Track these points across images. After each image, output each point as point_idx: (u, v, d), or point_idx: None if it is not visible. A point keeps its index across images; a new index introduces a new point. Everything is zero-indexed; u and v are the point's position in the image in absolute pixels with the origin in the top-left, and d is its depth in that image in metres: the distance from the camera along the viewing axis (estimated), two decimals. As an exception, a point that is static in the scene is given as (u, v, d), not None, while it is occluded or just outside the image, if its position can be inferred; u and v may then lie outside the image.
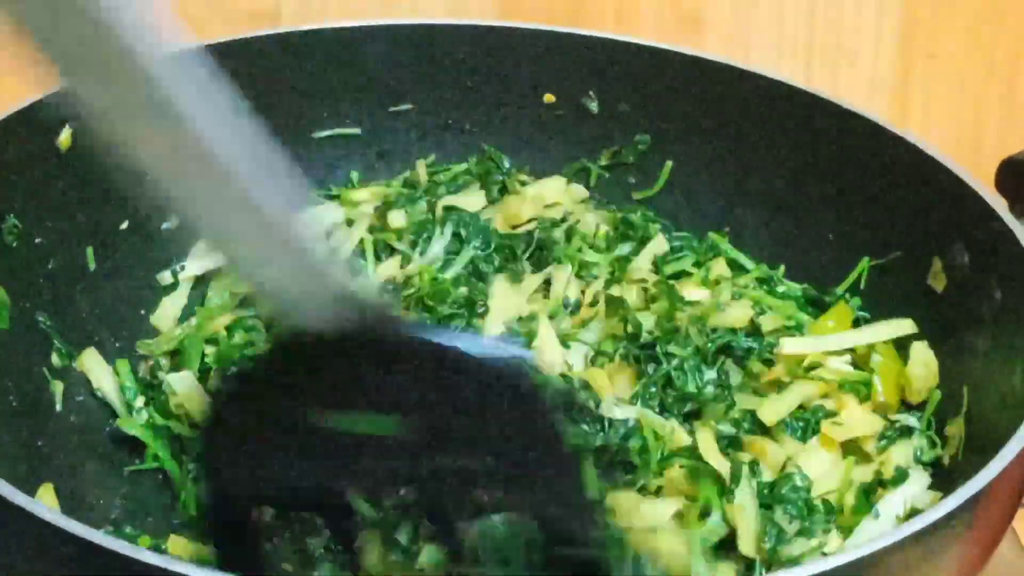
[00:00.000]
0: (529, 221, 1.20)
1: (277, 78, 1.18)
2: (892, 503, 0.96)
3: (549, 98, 1.24)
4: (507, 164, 1.24)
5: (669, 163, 1.23)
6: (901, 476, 0.97)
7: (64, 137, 1.07)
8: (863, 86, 1.48)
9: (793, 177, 1.18)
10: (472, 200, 1.20)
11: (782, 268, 1.18)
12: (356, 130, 1.23)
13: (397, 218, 1.18)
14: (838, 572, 0.75)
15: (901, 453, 1.00)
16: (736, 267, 1.18)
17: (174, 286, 1.15)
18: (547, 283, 1.15)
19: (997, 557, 0.91)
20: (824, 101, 1.15)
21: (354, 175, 1.24)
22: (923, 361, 1.05)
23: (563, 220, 1.21)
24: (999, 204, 1.02)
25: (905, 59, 1.49)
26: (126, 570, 0.72)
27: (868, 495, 0.97)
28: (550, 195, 1.23)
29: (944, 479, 0.98)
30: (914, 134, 1.09)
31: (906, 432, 1.02)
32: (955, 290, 1.05)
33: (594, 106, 1.23)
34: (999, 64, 1.50)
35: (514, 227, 1.19)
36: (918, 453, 1.00)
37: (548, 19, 1.26)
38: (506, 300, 1.11)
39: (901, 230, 1.10)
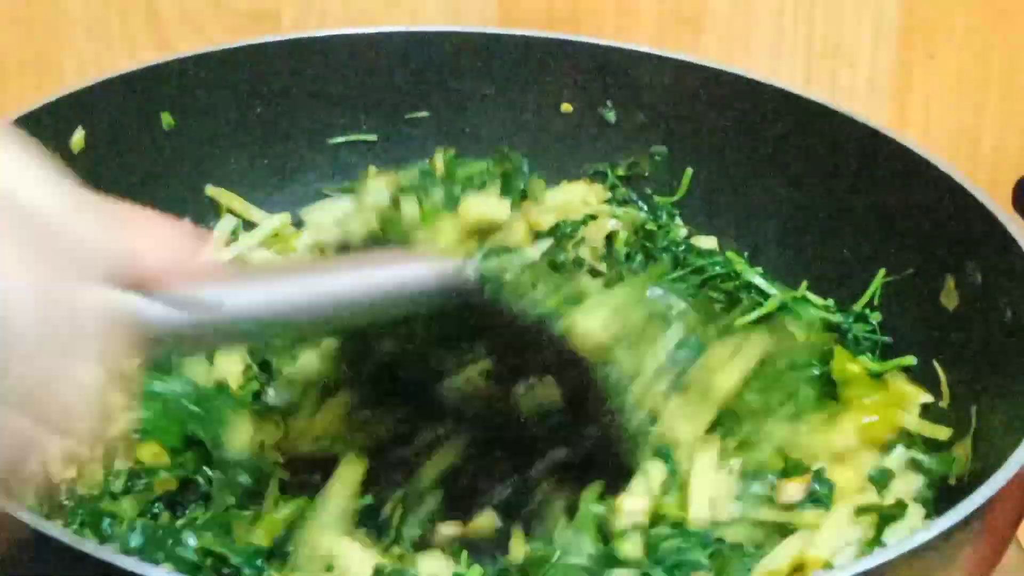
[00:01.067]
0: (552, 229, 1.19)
1: (294, 83, 1.19)
2: (898, 532, 0.95)
3: (566, 107, 1.24)
4: (526, 167, 1.23)
5: (689, 170, 1.22)
6: (902, 509, 0.96)
7: (77, 139, 1.07)
8: (862, 87, 1.48)
9: (808, 193, 1.17)
10: (498, 209, 1.19)
11: (804, 285, 1.17)
12: (372, 136, 1.23)
13: (410, 206, 1.17)
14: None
15: (902, 488, 1.00)
16: (754, 289, 1.17)
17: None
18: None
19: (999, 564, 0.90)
20: (844, 117, 1.14)
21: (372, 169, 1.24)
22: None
23: (583, 223, 1.20)
24: (1013, 224, 1.01)
25: (904, 60, 1.48)
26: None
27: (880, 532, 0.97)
28: (572, 201, 1.22)
29: (951, 498, 0.98)
30: (937, 157, 1.08)
31: (911, 464, 1.01)
32: (967, 309, 1.05)
33: (612, 116, 1.23)
34: (999, 65, 1.49)
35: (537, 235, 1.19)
36: (918, 487, 1.00)
37: (547, 21, 1.26)
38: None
39: (914, 248, 1.10)
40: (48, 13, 1.39)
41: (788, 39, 1.47)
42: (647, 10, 1.45)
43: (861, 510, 0.96)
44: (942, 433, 1.03)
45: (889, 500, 0.97)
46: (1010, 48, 1.48)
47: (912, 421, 1.04)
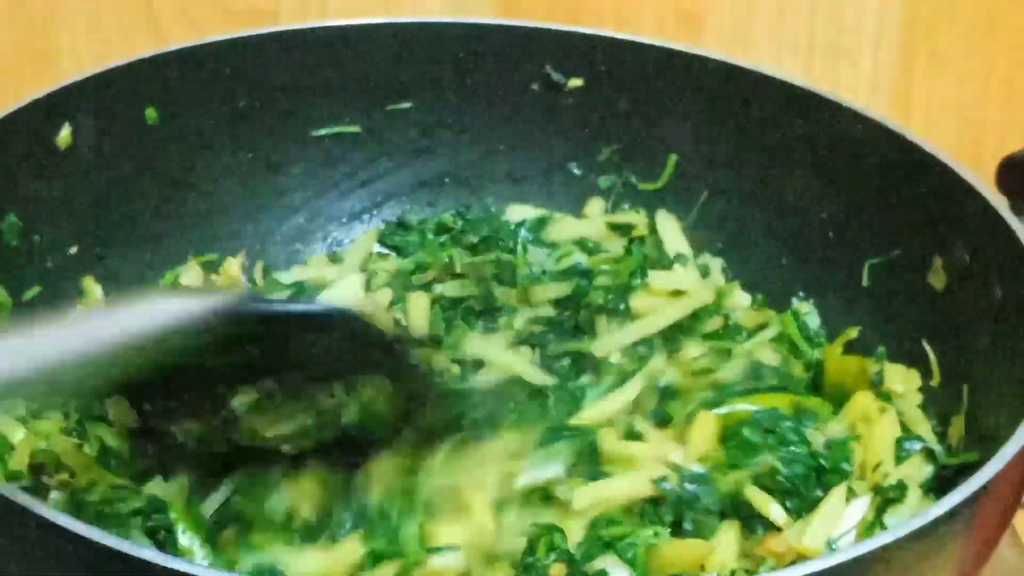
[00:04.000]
0: None
1: (277, 76, 1.18)
2: (901, 515, 0.96)
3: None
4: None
5: (674, 157, 1.22)
6: (903, 491, 0.97)
7: (64, 135, 1.07)
8: (864, 85, 1.48)
9: (794, 176, 1.17)
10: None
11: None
12: (356, 128, 1.22)
13: None
14: (839, 570, 0.75)
15: (908, 472, 1.00)
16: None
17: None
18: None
19: (997, 557, 0.91)
20: (826, 100, 1.14)
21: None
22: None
23: None
24: (999, 202, 1.01)
25: (906, 58, 1.48)
26: (133, 571, 0.72)
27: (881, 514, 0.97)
28: None
29: (944, 478, 0.98)
30: (915, 133, 1.09)
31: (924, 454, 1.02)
32: (955, 288, 1.05)
33: (595, 104, 1.23)
34: (1000, 63, 1.49)
35: None
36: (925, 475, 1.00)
37: (548, 15, 1.26)
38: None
39: (901, 228, 1.10)
40: (46, 11, 1.39)
41: (789, 37, 1.47)
42: (647, 6, 1.45)
43: (854, 494, 0.97)
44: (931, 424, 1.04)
45: (891, 482, 0.97)
46: (1012, 46, 1.49)
47: (911, 413, 1.05)
